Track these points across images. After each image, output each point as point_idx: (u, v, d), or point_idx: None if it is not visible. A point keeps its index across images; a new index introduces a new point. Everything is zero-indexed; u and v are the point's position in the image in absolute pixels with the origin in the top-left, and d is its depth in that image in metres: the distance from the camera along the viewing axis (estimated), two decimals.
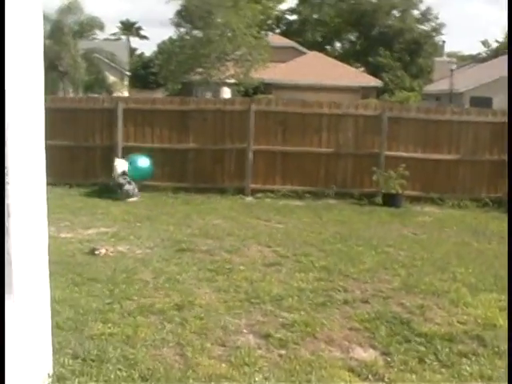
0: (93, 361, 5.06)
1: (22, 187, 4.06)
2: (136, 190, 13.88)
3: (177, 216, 11.84)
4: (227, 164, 14.96)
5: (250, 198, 14.31)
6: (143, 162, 14.36)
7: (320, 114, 14.78)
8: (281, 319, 6.14)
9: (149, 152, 14.94)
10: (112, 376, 4.81)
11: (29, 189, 4.29)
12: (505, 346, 5.54)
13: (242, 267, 8.04)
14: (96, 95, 30.01)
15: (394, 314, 6.36)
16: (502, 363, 5.24)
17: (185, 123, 14.94)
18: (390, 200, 13.94)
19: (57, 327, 5.63)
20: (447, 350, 5.51)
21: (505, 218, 12.95)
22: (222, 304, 6.54)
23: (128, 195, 13.72)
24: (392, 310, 6.50)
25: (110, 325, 5.81)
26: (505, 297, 7.05)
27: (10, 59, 3.73)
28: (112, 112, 15.00)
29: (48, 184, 13.05)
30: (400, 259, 8.85)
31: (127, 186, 13.81)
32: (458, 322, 6.28)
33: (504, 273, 8.09)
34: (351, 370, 5.09)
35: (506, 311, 6.47)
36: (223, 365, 5.07)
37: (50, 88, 32.63)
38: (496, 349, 5.55)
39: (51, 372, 4.79)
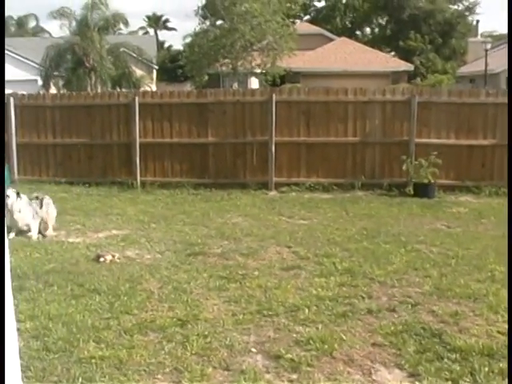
0: None
1: None
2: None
3: (194, 215, 11.22)
4: (249, 158, 14.28)
5: (273, 193, 13.62)
6: None
7: (345, 102, 13.98)
8: (295, 335, 5.42)
9: (167, 148, 14.42)
10: None
11: None
12: None
13: (256, 272, 7.35)
14: (124, 90, 29.58)
15: (424, 325, 5.60)
16: None
17: (204, 116, 14.31)
18: (422, 190, 13.12)
19: (46, 349, 5.13)
20: (486, 368, 4.74)
21: None
22: (230, 317, 5.85)
23: None
24: (422, 320, 5.73)
25: (102, 345, 5.19)
26: None
27: None
28: (129, 107, 14.44)
29: (67, 183, 12.74)
30: (432, 257, 8.06)
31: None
32: (499, 332, 5.49)
33: None
34: None
35: None
36: None
37: (78, 84, 32.34)
38: None
39: None
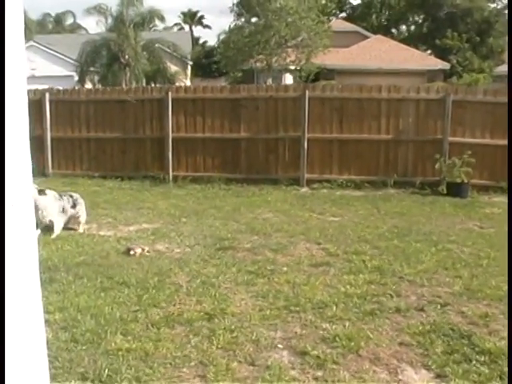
0: (102, 383, 4.45)
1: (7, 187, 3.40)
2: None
3: (225, 210, 11.24)
4: (281, 153, 14.26)
5: (304, 189, 13.60)
6: None
7: (378, 99, 13.89)
8: (321, 332, 5.39)
9: (200, 142, 14.46)
10: None
11: (14, 189, 3.61)
12: None
13: (285, 268, 7.33)
14: (158, 85, 29.74)
15: (453, 326, 5.52)
16: None
17: (236, 112, 14.33)
18: (455, 189, 12.97)
19: (73, 341, 5.16)
20: None
21: None
22: (257, 313, 5.84)
23: None
24: (450, 321, 5.65)
25: (129, 338, 5.21)
26: None
27: None
28: (162, 102, 14.50)
29: (100, 177, 12.84)
30: (463, 258, 7.95)
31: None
32: None
33: None
34: None
35: None
36: None
37: (113, 80, 32.61)
38: None
39: None
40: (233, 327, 5.44)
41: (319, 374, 4.63)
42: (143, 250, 8.11)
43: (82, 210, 9.78)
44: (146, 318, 5.69)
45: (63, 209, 9.53)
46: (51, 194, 9.55)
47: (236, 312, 5.84)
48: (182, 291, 6.47)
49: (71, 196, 9.85)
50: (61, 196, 9.69)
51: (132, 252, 7.99)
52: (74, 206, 9.68)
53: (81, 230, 9.58)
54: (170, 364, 4.77)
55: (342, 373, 4.64)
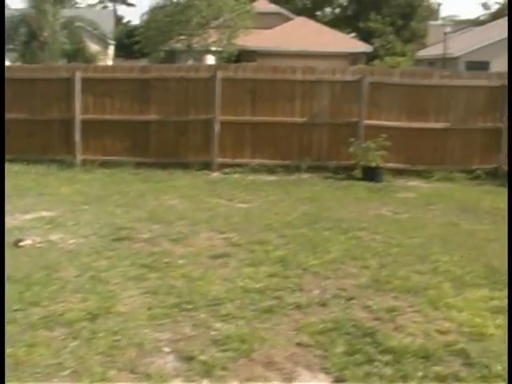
0: None
1: None
2: None
3: (130, 196, 10.67)
4: (192, 137, 13.71)
5: (215, 174, 13.11)
6: None
7: (293, 81, 13.47)
8: (213, 332, 4.93)
9: (109, 125, 13.77)
10: None
11: None
12: (497, 367, 4.37)
13: (182, 261, 6.82)
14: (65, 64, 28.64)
15: (357, 323, 5.12)
16: None
17: (146, 93, 13.69)
18: (370, 174, 12.69)
19: None
20: (421, 373, 4.30)
21: (499, 192, 11.69)
22: (145, 311, 5.33)
23: None
24: (354, 317, 5.26)
25: None
26: (498, 294, 5.91)
27: None
28: (69, 82, 13.73)
29: (6, 161, 11.86)
30: (373, 246, 7.61)
31: None
32: (437, 330, 5.04)
33: (497, 262, 6.89)
34: None
35: (499, 314, 5.37)
36: None
37: (31, 59, 31.28)
38: (485, 371, 4.34)
39: None
40: (116, 329, 4.93)
41: (204, 382, 4.18)
42: (34, 241, 7.52)
43: None
44: (25, 318, 5.16)
45: None
46: None
47: (122, 311, 5.33)
48: (67, 287, 5.93)
49: None
50: None
51: (22, 243, 7.39)
52: None
53: None
54: (41, 374, 4.25)
55: (232, 380, 4.20)
